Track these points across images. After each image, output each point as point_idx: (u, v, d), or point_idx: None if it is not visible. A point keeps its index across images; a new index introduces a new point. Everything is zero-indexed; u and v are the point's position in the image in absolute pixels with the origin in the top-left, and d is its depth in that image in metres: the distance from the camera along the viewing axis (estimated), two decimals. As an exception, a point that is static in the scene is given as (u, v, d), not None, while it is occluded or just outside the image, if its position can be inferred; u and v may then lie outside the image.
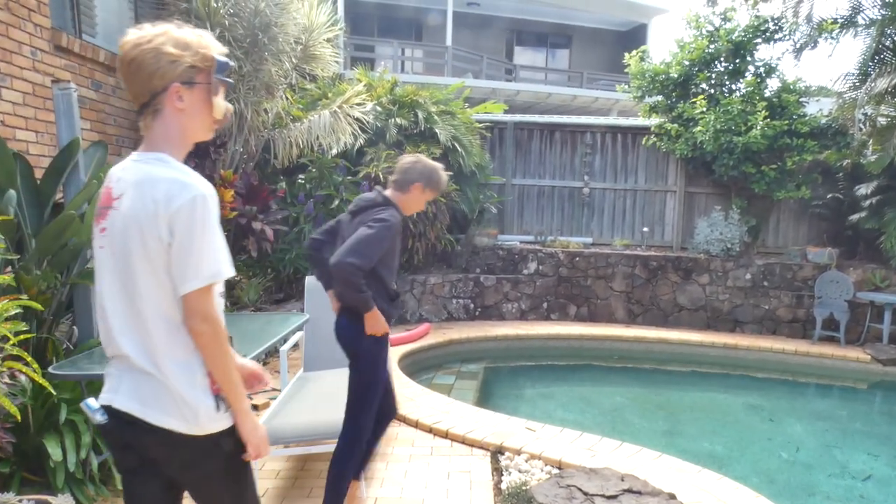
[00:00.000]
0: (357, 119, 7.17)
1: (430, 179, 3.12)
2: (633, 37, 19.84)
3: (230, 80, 1.72)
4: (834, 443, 5.64)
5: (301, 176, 7.63)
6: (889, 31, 7.85)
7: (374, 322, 2.95)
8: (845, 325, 7.91)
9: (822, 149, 8.65)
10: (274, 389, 5.25)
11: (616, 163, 9.70)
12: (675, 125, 8.83)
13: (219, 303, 1.66)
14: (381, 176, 7.29)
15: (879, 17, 8.04)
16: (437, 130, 7.89)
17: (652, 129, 9.29)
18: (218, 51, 1.68)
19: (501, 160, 9.60)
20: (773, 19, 8.74)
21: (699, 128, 8.41)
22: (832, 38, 8.29)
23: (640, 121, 9.76)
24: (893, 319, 7.73)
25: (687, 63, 8.91)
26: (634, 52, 9.57)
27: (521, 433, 4.37)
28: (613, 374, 7.48)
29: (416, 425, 4.56)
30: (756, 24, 8.68)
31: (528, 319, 8.66)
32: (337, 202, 7.37)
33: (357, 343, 2.99)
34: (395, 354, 6.39)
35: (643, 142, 9.42)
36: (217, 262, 1.57)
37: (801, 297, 8.51)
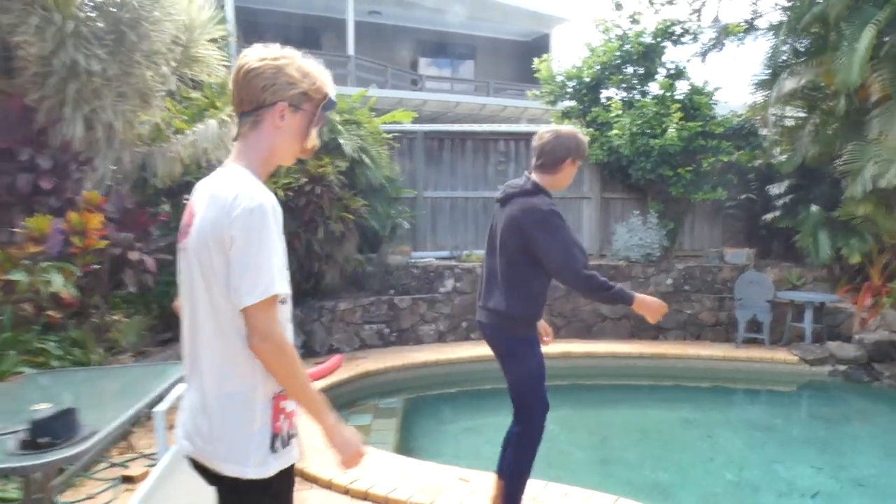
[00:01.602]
0: (250, 130, 6.39)
1: (577, 150, 3.03)
2: (536, 47, 19.87)
3: (328, 118, 1.85)
4: (776, 457, 5.36)
5: (187, 196, 6.72)
6: (788, 37, 7.89)
7: (647, 308, 2.94)
8: (768, 326, 7.82)
9: (736, 150, 8.61)
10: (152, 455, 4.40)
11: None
12: (591, 130, 8.55)
13: (285, 322, 1.64)
14: (279, 192, 6.53)
15: (778, 22, 8.11)
16: (341, 141, 7.21)
17: (565, 134, 8.99)
18: (332, 89, 1.74)
19: (412, 172, 9.02)
20: (679, 23, 8.66)
21: (615, 131, 8.16)
22: (738, 40, 8.28)
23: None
24: (815, 318, 7.70)
25: (598, 67, 8.69)
26: (544, 57, 9.28)
27: (453, 486, 3.77)
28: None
29: (329, 486, 3.85)
30: (664, 27, 8.56)
31: (448, 341, 8.09)
32: (230, 224, 6.52)
33: (509, 342, 3.04)
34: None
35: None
36: (270, 277, 1.53)
37: (722, 299, 8.39)
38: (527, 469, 3.15)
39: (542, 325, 3.24)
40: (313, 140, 1.75)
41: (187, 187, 6.74)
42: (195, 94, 6.92)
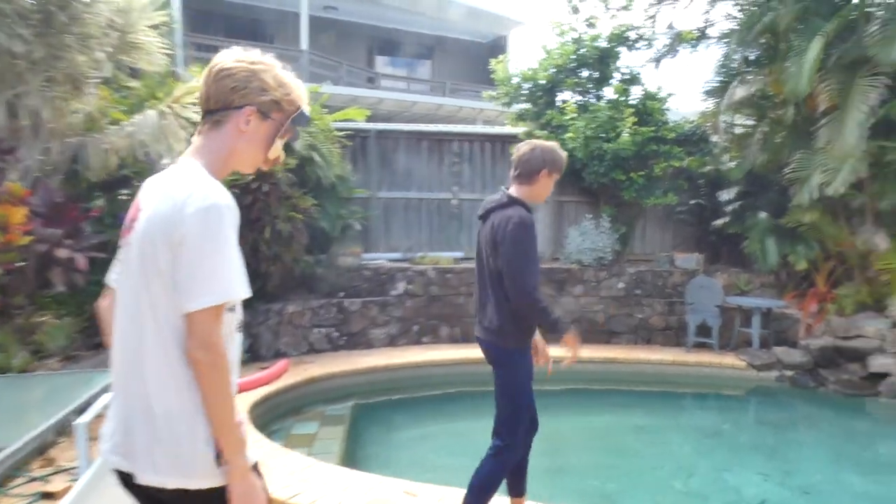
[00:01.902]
0: (193, 122, 6.07)
1: (553, 162, 3.07)
2: (494, 49, 19.84)
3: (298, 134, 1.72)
4: (724, 464, 5.35)
5: (124, 191, 6.35)
6: (739, 46, 7.98)
7: (572, 344, 3.00)
8: (718, 331, 7.88)
9: (688, 156, 8.67)
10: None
11: (485, 172, 9.23)
12: (545, 132, 8.48)
13: (230, 334, 1.52)
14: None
15: (729, 31, 8.19)
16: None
17: (521, 136, 8.90)
18: (306, 103, 1.69)
19: (365, 171, 8.80)
20: (634, 28, 8.68)
21: (569, 134, 8.11)
22: (691, 48, 8.34)
23: (509, 129, 9.37)
24: (762, 323, 7.79)
25: (553, 70, 8.63)
26: (501, 58, 9.19)
27: (399, 500, 3.59)
28: (491, 402, 6.86)
29: (269, 501, 3.62)
30: (619, 32, 8.57)
31: (399, 345, 7.90)
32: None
33: (499, 353, 3.06)
34: (246, 402, 5.37)
35: (512, 150, 8.99)
36: (229, 281, 1.44)
37: (672, 304, 8.44)
38: (496, 484, 3.12)
39: (538, 343, 3.23)
40: (277, 151, 1.67)
41: (124, 182, 6.42)
42: (134, 83, 6.56)
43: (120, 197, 6.34)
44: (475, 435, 5.88)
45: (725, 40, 8.13)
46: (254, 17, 17.32)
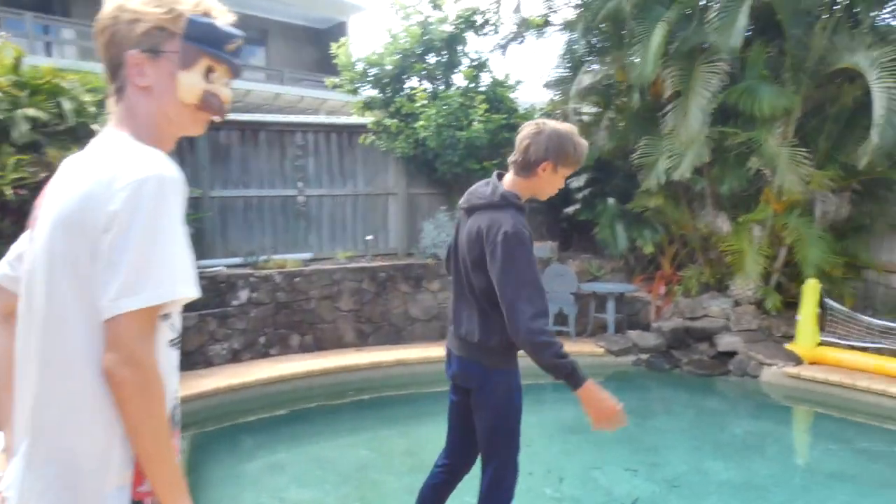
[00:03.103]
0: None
1: (560, 154, 2.43)
2: (333, 35, 18.86)
3: (223, 54, 1.27)
4: (592, 461, 5.17)
5: None
6: (583, 34, 7.98)
7: (595, 405, 2.43)
8: (574, 318, 7.87)
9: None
10: None
11: (332, 166, 8.56)
12: (395, 121, 7.97)
13: (163, 349, 1.18)
14: (6, 191, 5.09)
15: (575, 17, 8.18)
16: (94, 127, 5.86)
17: (370, 126, 8.33)
18: (196, 6, 1.22)
19: (194, 168, 7.78)
20: (480, 12, 8.41)
21: (421, 123, 7.67)
22: (538, 34, 8.22)
23: (356, 118, 8.76)
24: (616, 308, 7.88)
25: (400, 55, 8.14)
26: (342, 41, 8.55)
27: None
28: (351, 415, 6.30)
29: None
30: (465, 15, 8.25)
31: (244, 360, 7.06)
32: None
33: (483, 376, 2.52)
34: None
35: (361, 140, 8.40)
36: (169, 276, 1.09)
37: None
38: None
39: None
40: (194, 89, 1.24)
41: None
42: None
43: None
44: (334, 457, 5.31)
45: (569, 28, 8.09)
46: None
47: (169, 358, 1.21)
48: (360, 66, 8.20)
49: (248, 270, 7.45)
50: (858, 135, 6.84)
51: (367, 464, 5.13)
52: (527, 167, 2.48)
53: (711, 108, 6.44)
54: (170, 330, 1.22)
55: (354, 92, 8.47)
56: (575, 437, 5.78)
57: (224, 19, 1.30)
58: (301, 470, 5.14)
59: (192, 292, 1.16)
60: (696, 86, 6.42)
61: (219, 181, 7.99)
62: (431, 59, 8.30)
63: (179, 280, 1.12)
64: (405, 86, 8.28)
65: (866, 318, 6.81)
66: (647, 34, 6.56)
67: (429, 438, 5.67)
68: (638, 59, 6.55)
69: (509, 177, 2.56)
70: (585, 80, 7.64)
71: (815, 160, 6.66)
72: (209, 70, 1.26)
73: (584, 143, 2.55)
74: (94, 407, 1.13)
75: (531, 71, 28.02)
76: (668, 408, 6.68)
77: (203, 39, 1.23)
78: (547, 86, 8.40)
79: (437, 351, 7.23)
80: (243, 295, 7.19)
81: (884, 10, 6.62)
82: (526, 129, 2.52)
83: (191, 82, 1.24)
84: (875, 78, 5.78)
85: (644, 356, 7.29)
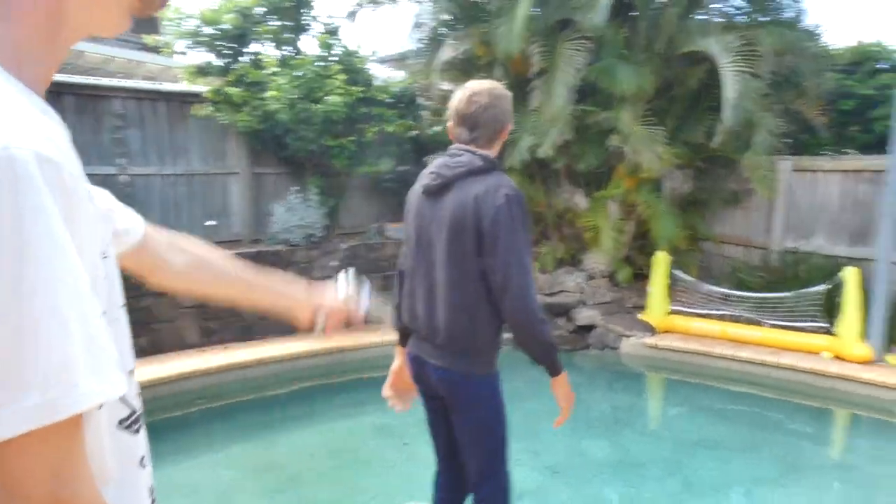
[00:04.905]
0: None
1: (511, 115, 2.29)
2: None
3: None
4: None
5: None
6: (441, 5, 7.62)
7: (563, 391, 2.27)
8: (437, 304, 7.61)
9: (399, 118, 8.12)
10: None
11: (162, 141, 7.44)
12: (238, 90, 7.05)
13: (107, 446, 0.74)
14: None
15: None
16: None
17: (206, 95, 7.30)
18: None
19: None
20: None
21: (272, 93, 6.84)
22: (392, 2, 7.71)
23: (188, 86, 7.66)
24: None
25: (238, 13, 7.19)
26: (167, -6, 7.40)
27: None
28: (204, 429, 5.53)
29: None
30: (312, -28, 7.51)
31: (64, 373, 5.96)
32: None
33: (469, 386, 2.23)
34: None
35: (195, 112, 7.35)
36: (66, 362, 0.60)
37: (388, 277, 7.94)
38: None
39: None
40: None
41: None
42: None
43: None
44: (202, 478, 4.55)
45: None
46: None
47: (123, 452, 0.77)
48: (190, 24, 7.14)
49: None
50: (701, 115, 7.21)
51: (231, 489, 4.47)
52: (492, 137, 2.23)
53: (576, 85, 6.40)
54: (119, 407, 0.76)
55: (184, 54, 7.41)
56: (454, 430, 5.53)
57: None
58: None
59: (115, 388, 0.65)
60: (560, 62, 6.34)
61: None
62: (276, 21, 7.44)
63: (84, 367, 0.61)
64: (248, 50, 7.37)
65: (707, 286, 7.27)
66: (511, 7, 6.34)
67: (296, 447, 5.13)
68: (504, 32, 6.31)
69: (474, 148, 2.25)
70: (445, 54, 7.29)
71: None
72: None
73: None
74: None
75: (386, 42, 27.11)
76: (537, 390, 6.62)
77: None
78: (401, 58, 7.94)
79: (298, 346, 6.65)
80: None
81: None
82: (479, 95, 2.21)
83: None
84: (728, 62, 6.04)
85: (507, 335, 7.21)
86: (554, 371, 2.26)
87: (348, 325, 1.44)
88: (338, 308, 1.43)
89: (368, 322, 1.46)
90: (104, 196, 1.13)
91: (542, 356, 2.22)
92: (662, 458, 4.94)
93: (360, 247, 7.96)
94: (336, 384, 6.50)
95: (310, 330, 1.40)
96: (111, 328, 0.71)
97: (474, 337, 2.22)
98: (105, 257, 0.75)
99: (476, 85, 2.25)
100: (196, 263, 1.33)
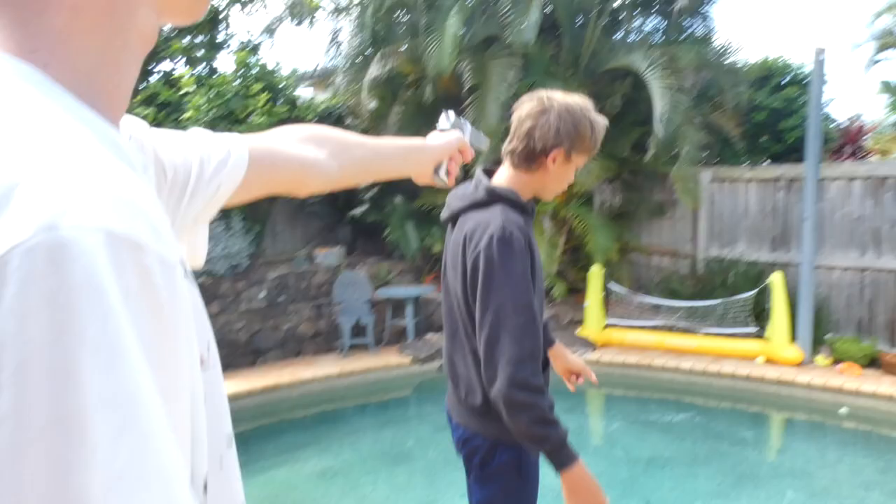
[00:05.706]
0: None
1: (576, 137, 1.73)
2: None
3: None
4: (428, 497, 4.66)
5: None
6: (369, 23, 7.38)
7: (582, 492, 1.65)
8: (372, 328, 7.29)
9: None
10: None
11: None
12: (151, 110, 6.52)
13: None
14: None
15: (358, 2, 7.53)
16: None
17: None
18: None
19: None
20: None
21: (188, 114, 6.37)
22: (310, 19, 7.42)
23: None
24: (415, 312, 7.47)
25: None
26: None
27: None
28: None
29: None
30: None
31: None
32: None
33: (485, 451, 1.76)
34: None
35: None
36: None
37: (319, 306, 7.59)
38: None
39: (575, 363, 2.22)
40: None
41: None
42: None
43: None
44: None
45: (348, 13, 7.43)
46: None
47: None
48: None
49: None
50: (627, 129, 7.31)
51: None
52: (531, 157, 1.80)
53: (509, 101, 6.33)
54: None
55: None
56: (401, 467, 5.19)
57: None
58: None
59: None
60: (492, 79, 6.24)
61: None
62: (187, 37, 6.98)
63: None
64: (157, 68, 6.86)
65: (639, 297, 7.34)
66: (440, 24, 6.20)
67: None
68: (435, 49, 6.15)
69: (505, 171, 1.88)
70: (373, 70, 7.05)
71: (592, 153, 6.96)
72: None
73: (602, 120, 1.86)
74: None
75: (306, 60, 26.15)
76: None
77: None
78: (323, 77, 7.64)
79: (229, 385, 6.14)
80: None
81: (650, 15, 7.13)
82: (526, 107, 1.82)
83: None
84: (654, 76, 6.13)
85: (447, 360, 7.01)
86: (558, 464, 1.67)
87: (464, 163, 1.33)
88: (456, 150, 1.32)
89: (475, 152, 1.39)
90: (177, 140, 0.78)
91: (533, 446, 1.72)
92: (619, 480, 4.82)
93: (290, 276, 7.56)
94: (269, 425, 6.04)
95: (429, 182, 1.31)
96: (214, 480, 0.48)
97: (482, 392, 1.78)
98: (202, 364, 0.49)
99: (534, 97, 1.86)
100: (343, 156, 1.07)
